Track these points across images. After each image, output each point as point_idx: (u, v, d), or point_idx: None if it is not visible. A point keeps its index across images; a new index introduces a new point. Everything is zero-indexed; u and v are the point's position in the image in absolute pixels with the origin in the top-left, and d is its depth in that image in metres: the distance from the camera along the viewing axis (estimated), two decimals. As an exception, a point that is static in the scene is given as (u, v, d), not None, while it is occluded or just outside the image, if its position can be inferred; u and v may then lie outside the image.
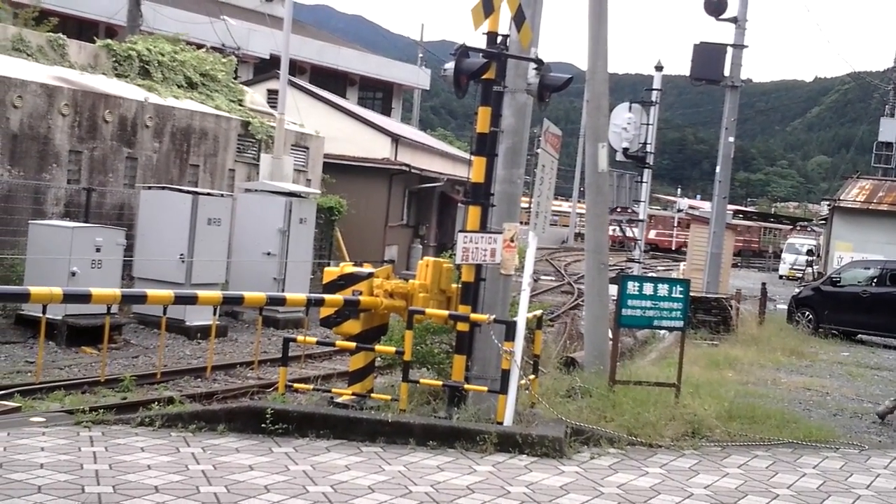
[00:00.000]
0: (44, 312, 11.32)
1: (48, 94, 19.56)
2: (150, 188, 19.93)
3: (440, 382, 10.05)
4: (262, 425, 8.44)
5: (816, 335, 22.22)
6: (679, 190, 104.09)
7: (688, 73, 24.48)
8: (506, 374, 9.04)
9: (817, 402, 13.29)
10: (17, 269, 17.27)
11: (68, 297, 11.19)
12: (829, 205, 37.45)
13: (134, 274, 18.71)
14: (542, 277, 36.84)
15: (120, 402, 11.81)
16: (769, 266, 60.98)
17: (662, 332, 17.34)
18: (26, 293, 11.02)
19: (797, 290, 27.34)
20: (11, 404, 10.28)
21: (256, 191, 21.92)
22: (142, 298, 12.89)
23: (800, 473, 8.74)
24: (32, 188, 19.02)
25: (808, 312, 23.54)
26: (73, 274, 16.03)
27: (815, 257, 46.30)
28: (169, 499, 6.45)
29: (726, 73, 23.86)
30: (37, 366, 12.73)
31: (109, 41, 25.05)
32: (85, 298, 11.19)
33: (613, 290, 12.19)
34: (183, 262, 18.33)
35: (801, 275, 46.85)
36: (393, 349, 10.37)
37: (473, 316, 9.54)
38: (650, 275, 24.28)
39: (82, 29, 34.31)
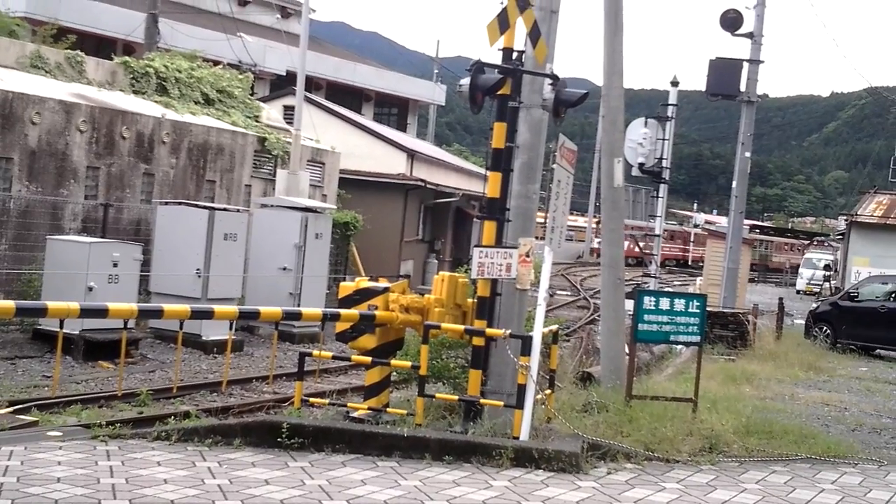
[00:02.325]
0: (61, 327, 11.32)
1: (66, 110, 19.69)
2: (166, 204, 20.02)
3: (456, 397, 10.03)
4: (278, 440, 8.44)
5: (834, 350, 22.10)
6: (695, 205, 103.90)
7: (704, 89, 24.46)
8: (522, 389, 9.02)
9: (835, 418, 13.20)
10: (35, 283, 17.37)
11: (85, 312, 11.21)
12: (846, 220, 37.34)
13: (150, 289, 18.77)
14: (558, 292, 36.77)
15: (136, 416, 11.83)
16: (786, 281, 60.73)
17: (679, 347, 17.27)
18: (44, 308, 11.06)
19: (814, 305, 27.19)
20: (29, 418, 10.33)
21: (272, 206, 21.99)
22: (158, 313, 12.94)
23: (818, 489, 8.68)
24: (50, 204, 19.14)
25: (825, 327, 23.41)
26: (91, 289, 16.10)
27: (832, 272, 46.11)
28: (185, 513, 6.46)
29: (742, 88, 23.84)
30: (54, 380, 12.78)
31: (127, 58, 25.22)
32: (102, 313, 11.24)
33: (630, 304, 12.16)
34: (199, 276, 18.39)
35: (818, 290, 46.65)
36: (409, 364, 10.36)
37: (489, 331, 9.54)
38: (667, 290, 24.23)
39: (100, 46, 34.56)
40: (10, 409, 11.20)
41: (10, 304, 10.58)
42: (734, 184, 24.66)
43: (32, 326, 16.77)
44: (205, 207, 19.27)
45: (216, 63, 28.51)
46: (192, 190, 22.76)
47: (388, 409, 10.14)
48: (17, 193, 18.63)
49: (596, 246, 67.11)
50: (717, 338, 20.15)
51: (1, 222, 18.17)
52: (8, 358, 15.56)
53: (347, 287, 10.58)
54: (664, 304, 10.80)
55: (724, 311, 22.16)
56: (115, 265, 16.68)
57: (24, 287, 17.67)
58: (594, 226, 66.86)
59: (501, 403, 9.44)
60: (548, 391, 10.07)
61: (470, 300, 10.26)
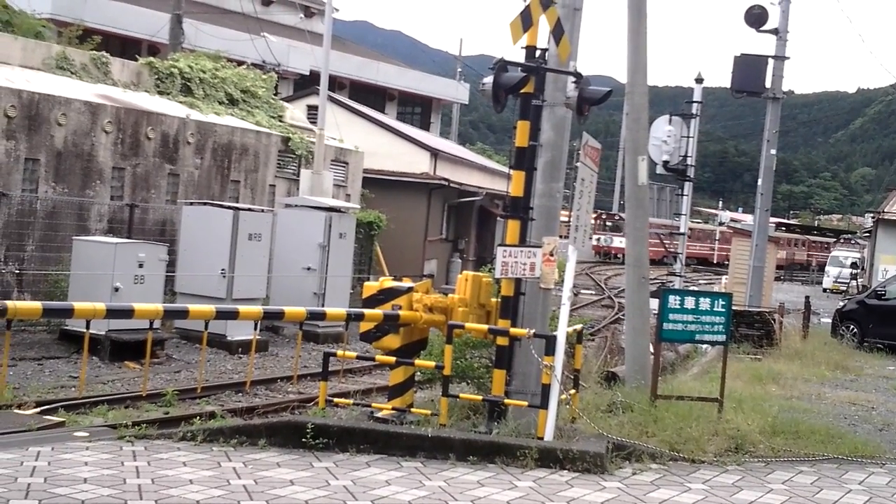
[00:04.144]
0: (87, 328, 11.41)
1: (92, 111, 19.81)
2: (191, 204, 20.10)
3: (480, 397, 10.02)
4: (303, 440, 8.46)
5: (861, 349, 21.90)
6: (721, 203, 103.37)
7: (729, 85, 24.31)
8: (546, 389, 9.00)
9: (863, 417, 13.08)
10: (62, 284, 17.48)
11: (111, 313, 11.31)
12: (873, 217, 37.05)
13: (176, 289, 18.86)
14: (583, 291, 36.69)
15: (162, 416, 11.87)
16: (813, 279, 60.36)
17: (704, 346, 17.18)
18: (70, 309, 11.16)
19: (841, 304, 26.98)
20: (56, 419, 10.39)
21: (296, 206, 22.03)
22: (184, 313, 13.02)
23: (845, 489, 8.61)
24: (76, 204, 19.26)
25: (852, 326, 23.22)
26: (116, 289, 16.19)
27: (859, 270, 45.75)
28: (210, 513, 6.48)
29: (768, 84, 23.67)
30: (80, 381, 12.85)
31: (152, 59, 25.35)
32: (128, 314, 11.33)
33: (654, 303, 12.10)
34: (224, 277, 18.45)
35: (845, 288, 46.29)
36: (433, 364, 10.36)
37: (513, 330, 9.52)
38: (692, 288, 24.14)
39: (125, 47, 34.74)
40: (38, 409, 11.26)
41: (37, 304, 10.67)
42: (760, 181, 24.49)
43: (59, 327, 16.89)
44: (229, 208, 19.33)
45: (240, 63, 28.61)
46: (216, 190, 22.85)
47: (412, 410, 10.14)
48: (43, 194, 18.76)
49: (596, 243, 66.41)
50: (743, 337, 20.02)
51: (28, 223, 18.30)
52: (35, 358, 15.68)
53: (371, 287, 10.59)
54: (689, 303, 10.74)
55: (750, 309, 22.02)
56: (140, 266, 16.76)
57: (51, 288, 17.80)
58: (593, 221, 66.13)
59: (526, 403, 9.42)
60: (572, 391, 10.04)
61: (494, 300, 10.25)
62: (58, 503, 6.46)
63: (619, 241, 59.92)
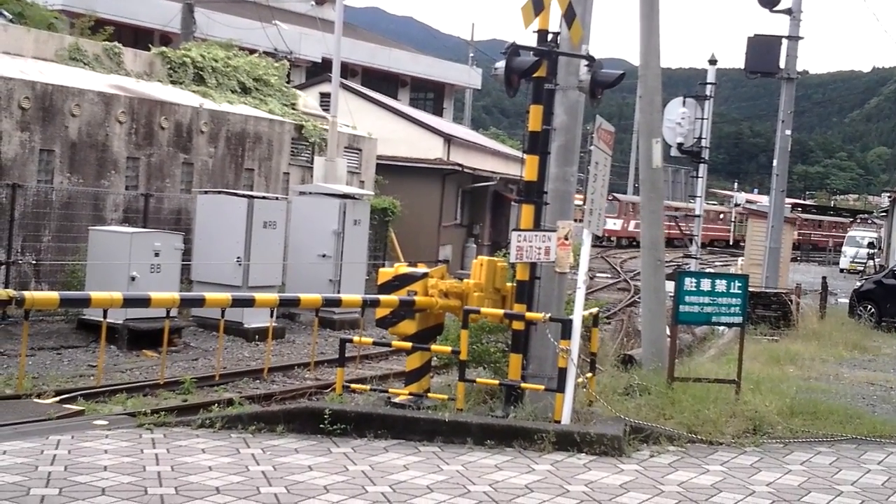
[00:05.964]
0: (104, 317, 11.48)
1: (105, 102, 19.86)
2: (206, 193, 20.15)
3: (497, 381, 10.04)
4: (321, 426, 8.49)
5: (879, 329, 21.83)
6: (736, 184, 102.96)
7: (742, 67, 24.17)
8: (562, 373, 9.00)
9: (881, 397, 13.04)
10: (78, 274, 17.57)
11: (128, 302, 11.39)
12: (889, 196, 36.85)
13: (192, 277, 18.92)
14: (598, 275, 36.64)
15: (181, 404, 11.92)
16: (829, 260, 60.12)
17: (721, 328, 17.14)
18: (87, 298, 11.24)
19: (859, 284, 26.86)
20: (75, 408, 10.45)
21: (311, 193, 22.06)
22: (200, 302, 13.10)
23: (864, 469, 8.59)
24: (92, 195, 19.33)
25: (870, 306, 23.14)
26: (133, 278, 16.26)
27: (876, 250, 45.53)
28: (230, 499, 6.52)
29: (781, 65, 23.52)
30: (98, 369, 12.92)
31: (164, 49, 25.39)
32: (144, 302, 11.41)
33: (670, 286, 12.08)
34: (240, 265, 18.50)
35: (862, 268, 46.08)
36: (449, 349, 10.38)
37: (529, 314, 9.52)
38: (708, 271, 24.05)
39: (137, 37, 34.80)
40: (57, 398, 11.34)
41: (55, 294, 10.74)
42: (775, 162, 24.39)
43: (77, 316, 16.98)
44: (244, 196, 19.37)
45: (252, 51, 28.61)
46: (230, 178, 22.89)
47: (429, 395, 10.16)
48: (59, 185, 18.83)
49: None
50: (760, 318, 19.94)
51: (44, 214, 18.38)
52: (53, 348, 15.77)
53: (387, 273, 10.60)
54: (705, 285, 10.70)
55: (767, 291, 21.95)
56: (156, 254, 16.83)
57: (68, 278, 17.89)
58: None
59: (542, 387, 9.42)
60: (589, 374, 10.04)
61: (509, 284, 10.25)
62: (78, 491, 6.51)
63: (612, 224, 58.93)
